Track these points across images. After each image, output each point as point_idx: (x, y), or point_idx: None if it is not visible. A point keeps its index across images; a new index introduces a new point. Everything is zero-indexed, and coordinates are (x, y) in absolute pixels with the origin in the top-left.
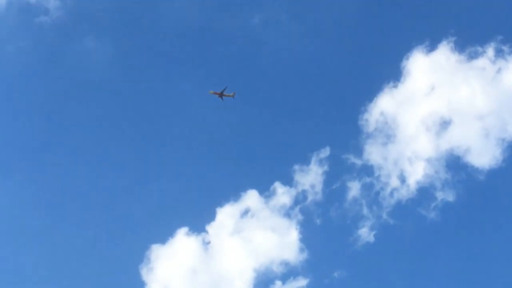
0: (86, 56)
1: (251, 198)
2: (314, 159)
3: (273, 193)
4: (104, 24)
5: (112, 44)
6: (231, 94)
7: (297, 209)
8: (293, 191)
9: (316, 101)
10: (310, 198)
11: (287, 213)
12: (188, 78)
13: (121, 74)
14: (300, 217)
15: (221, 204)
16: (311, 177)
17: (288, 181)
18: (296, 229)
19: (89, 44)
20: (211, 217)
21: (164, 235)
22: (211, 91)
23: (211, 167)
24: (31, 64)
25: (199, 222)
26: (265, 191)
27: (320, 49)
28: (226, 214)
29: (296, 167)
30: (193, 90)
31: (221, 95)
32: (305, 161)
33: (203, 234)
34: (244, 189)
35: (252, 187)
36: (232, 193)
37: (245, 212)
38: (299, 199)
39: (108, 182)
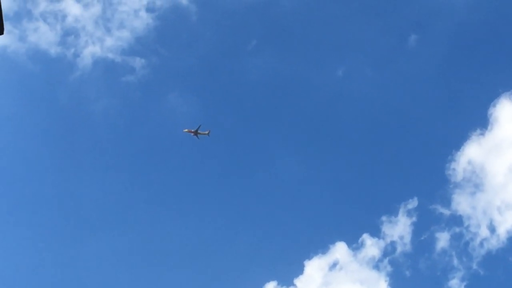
0: (171, 112)
1: (340, 250)
2: (402, 210)
3: (362, 245)
4: (188, 80)
5: (197, 99)
6: (206, 132)
7: (386, 261)
8: (381, 243)
9: (403, 151)
10: (399, 249)
11: (376, 265)
12: (273, 131)
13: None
14: (389, 268)
15: (309, 257)
16: (399, 228)
17: (376, 233)
18: (386, 281)
19: (174, 101)
20: (299, 270)
21: None
22: (186, 130)
23: (299, 219)
24: (118, 122)
25: (287, 276)
26: (353, 243)
27: (405, 99)
28: (314, 267)
29: (384, 218)
30: (281, 143)
31: (196, 133)
32: (393, 212)
33: (291, 287)
34: (333, 241)
35: (340, 239)
36: (320, 246)
37: (334, 265)
38: (388, 251)
39: (196, 236)
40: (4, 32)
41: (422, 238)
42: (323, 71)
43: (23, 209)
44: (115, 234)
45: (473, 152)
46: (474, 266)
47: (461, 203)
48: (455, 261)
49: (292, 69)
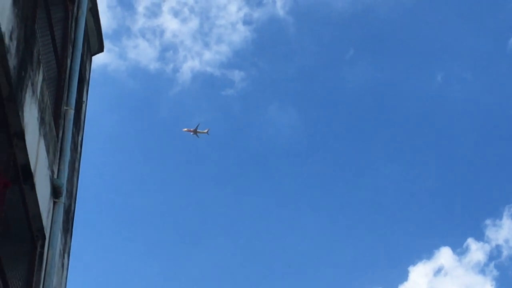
0: (272, 124)
1: (444, 255)
2: (506, 213)
3: (467, 249)
4: (287, 91)
5: (296, 110)
6: (205, 130)
7: (491, 265)
8: (486, 247)
9: (504, 153)
10: (505, 253)
11: (482, 270)
12: (373, 139)
13: (306, 141)
14: (495, 273)
15: (413, 263)
16: (504, 232)
17: (481, 237)
18: (492, 286)
19: (274, 113)
20: (404, 276)
21: None
22: (185, 129)
23: (402, 225)
24: (219, 135)
25: (392, 282)
26: (458, 247)
27: (506, 103)
28: (419, 273)
29: (488, 221)
30: (380, 150)
31: (195, 132)
32: (497, 215)
33: None
34: (437, 246)
35: (445, 244)
36: (425, 251)
37: (439, 270)
38: (494, 255)
39: (300, 243)
40: (104, 50)
41: None
42: (421, 77)
43: (131, 224)
44: (227, 242)
45: None
46: None
47: None
48: None
49: (390, 76)
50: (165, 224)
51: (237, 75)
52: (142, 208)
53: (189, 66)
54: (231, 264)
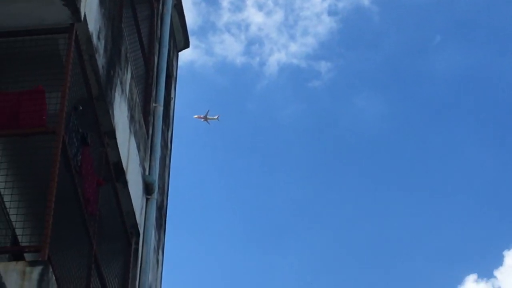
0: (359, 115)
1: None
2: None
3: None
4: (374, 80)
5: (384, 99)
6: (215, 117)
7: None
8: None
9: None
10: None
11: None
12: (463, 126)
13: (395, 130)
14: None
15: (508, 247)
16: None
17: None
18: None
19: (361, 102)
20: (499, 261)
21: (452, 284)
22: (196, 116)
23: (496, 209)
24: (307, 127)
25: (487, 268)
26: None
27: None
28: None
29: None
30: (472, 137)
31: (205, 119)
32: None
33: (492, 280)
34: None
35: None
36: None
37: None
38: None
39: (391, 233)
40: (190, 46)
41: None
42: (511, 61)
43: (225, 216)
44: (318, 235)
45: None
46: None
47: None
48: None
49: (479, 62)
50: (255, 217)
51: (323, 66)
52: (233, 203)
53: (276, 59)
54: (322, 256)
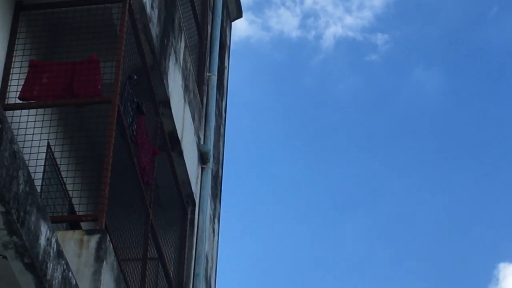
0: (417, 88)
1: None
2: None
3: None
4: (431, 53)
5: (441, 72)
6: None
7: None
8: None
9: None
10: None
11: None
12: None
13: (453, 103)
14: None
15: None
16: None
17: None
18: None
19: (419, 76)
20: None
21: None
22: None
23: None
24: (364, 101)
25: None
26: None
27: None
28: None
29: None
30: None
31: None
32: None
33: None
34: None
35: None
36: None
37: None
38: None
39: (453, 205)
40: (246, 22)
41: None
42: None
43: (280, 192)
44: (370, 210)
45: None
46: None
47: None
48: None
49: None
50: (314, 191)
51: (380, 38)
52: (287, 174)
53: (331, 32)
54: (386, 228)
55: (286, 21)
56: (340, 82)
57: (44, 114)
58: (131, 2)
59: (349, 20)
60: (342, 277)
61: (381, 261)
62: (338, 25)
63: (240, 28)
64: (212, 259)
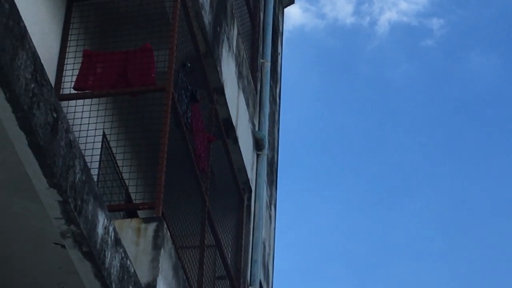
0: (473, 73)
1: None
2: None
3: None
4: (487, 37)
5: (499, 57)
6: None
7: None
8: None
9: None
10: None
11: None
12: None
13: (510, 87)
14: None
15: None
16: None
17: None
18: None
19: (475, 60)
20: None
21: None
22: None
23: None
24: (419, 87)
25: None
26: None
27: None
28: None
29: None
30: None
31: None
32: None
33: None
34: None
35: None
36: None
37: None
38: None
39: (505, 193)
40: (300, 9)
41: None
42: None
43: (336, 178)
44: (424, 197)
45: None
46: None
47: None
48: None
49: None
50: (369, 177)
51: (435, 23)
52: (342, 160)
53: (386, 18)
54: (441, 214)
55: (341, 8)
56: (395, 68)
57: (99, 104)
58: None
59: (403, 5)
60: (397, 265)
61: (436, 249)
62: (393, 11)
63: (294, 16)
64: (269, 245)
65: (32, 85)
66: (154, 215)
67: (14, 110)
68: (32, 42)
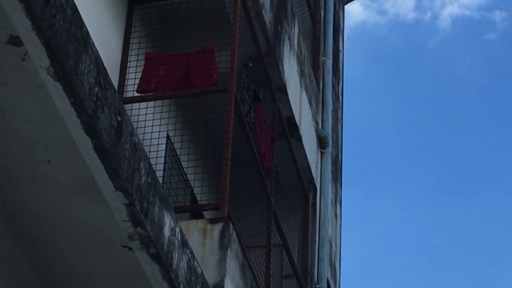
0: None
1: None
2: None
3: None
4: None
5: None
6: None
7: None
8: None
9: None
10: None
11: None
12: None
13: None
14: None
15: None
16: None
17: None
18: None
19: None
20: None
21: None
22: None
23: None
24: (483, 81)
25: None
26: None
27: None
28: None
29: None
30: None
31: None
32: None
33: None
34: None
35: None
36: None
37: None
38: None
39: None
40: (361, 6)
41: None
42: None
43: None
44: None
45: None
46: None
47: None
48: None
49: None
50: (436, 173)
51: (498, 16)
52: (408, 157)
53: (448, 12)
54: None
55: (402, 4)
56: (458, 62)
57: (162, 106)
58: None
59: None
60: (468, 263)
61: (509, 246)
62: (455, 5)
63: (355, 13)
64: (336, 243)
65: (96, 89)
66: (220, 216)
67: (79, 114)
68: (95, 47)
